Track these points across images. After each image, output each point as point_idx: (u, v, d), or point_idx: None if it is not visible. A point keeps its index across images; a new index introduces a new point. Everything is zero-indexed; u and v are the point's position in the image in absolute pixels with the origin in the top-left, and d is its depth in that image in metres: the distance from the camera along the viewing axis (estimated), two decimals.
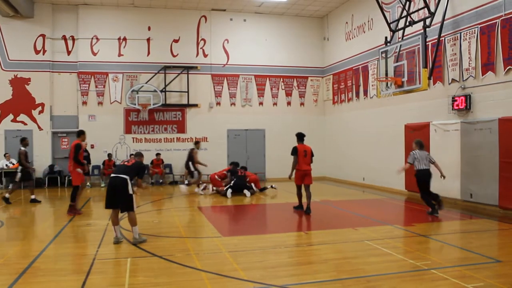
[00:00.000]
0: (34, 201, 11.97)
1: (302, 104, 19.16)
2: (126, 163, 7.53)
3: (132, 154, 7.06)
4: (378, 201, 12.45)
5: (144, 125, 17.54)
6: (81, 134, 10.29)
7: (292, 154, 10.29)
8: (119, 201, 7.21)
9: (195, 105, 17.85)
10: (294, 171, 10.24)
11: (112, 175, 7.34)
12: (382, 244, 7.15)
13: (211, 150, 15.86)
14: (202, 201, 12.46)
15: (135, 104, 16.95)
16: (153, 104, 17.04)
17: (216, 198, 13.00)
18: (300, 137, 10.56)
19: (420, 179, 9.71)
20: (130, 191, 7.18)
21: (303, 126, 19.07)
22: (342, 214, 10.22)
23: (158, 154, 17.21)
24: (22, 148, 11.68)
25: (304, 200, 10.59)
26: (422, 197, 9.82)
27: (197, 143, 14.29)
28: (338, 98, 18.09)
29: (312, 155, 10.37)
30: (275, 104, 18.85)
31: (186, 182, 15.88)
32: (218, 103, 18.22)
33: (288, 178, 10.54)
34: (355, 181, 16.69)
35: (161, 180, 17.07)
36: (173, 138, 17.73)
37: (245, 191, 13.34)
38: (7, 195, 11.80)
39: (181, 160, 17.23)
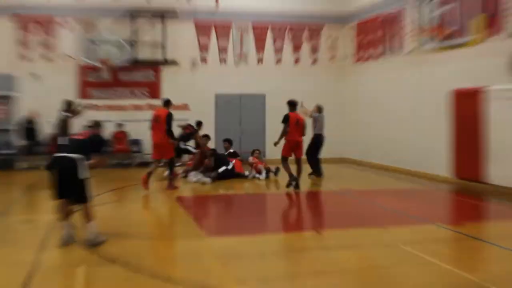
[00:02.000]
0: None
1: (314, 61, 19.02)
2: (78, 137, 7.26)
3: (89, 126, 7.02)
4: (416, 191, 12.42)
5: (105, 88, 17.38)
6: (170, 104, 12.01)
7: (283, 121, 11.90)
8: (68, 189, 6.94)
9: (174, 63, 17.65)
10: (285, 142, 11.87)
11: (57, 154, 7.05)
12: (422, 249, 7.00)
13: (194, 121, 15.68)
14: (178, 192, 12.35)
15: (93, 61, 16.70)
16: (118, 61, 16.84)
17: (200, 186, 12.93)
18: (293, 105, 12.23)
19: (317, 144, 14.13)
20: (83, 175, 6.89)
21: (316, 91, 18.84)
22: (368, 208, 10.16)
23: (120, 125, 17.03)
24: None
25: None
26: (309, 160, 13.76)
27: (199, 123, 14.95)
28: (362, 54, 17.91)
29: (304, 127, 12.12)
30: (279, 61, 18.70)
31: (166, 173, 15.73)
32: (204, 60, 18.03)
33: (273, 145, 12.08)
34: (385, 165, 16.67)
35: (126, 161, 16.90)
36: (144, 106, 17.58)
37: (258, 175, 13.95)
38: None
39: None
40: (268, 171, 14.16)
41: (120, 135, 17.07)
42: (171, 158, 12.21)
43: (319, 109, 14.62)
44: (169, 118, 11.94)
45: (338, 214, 9.55)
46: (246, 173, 14.02)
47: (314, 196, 11.84)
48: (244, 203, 11.28)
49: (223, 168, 13.64)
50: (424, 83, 14.71)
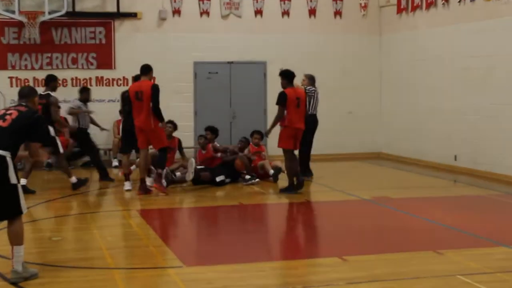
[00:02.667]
0: None
1: (337, 13, 19.17)
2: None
3: (21, 105, 6.60)
4: (482, 200, 12.54)
5: (32, 52, 17.49)
6: (151, 72, 12.61)
7: (279, 103, 12.59)
8: None
9: (132, 15, 17.81)
10: (282, 129, 12.60)
11: None
12: (491, 283, 7.14)
13: (164, 101, 15.63)
14: (145, 201, 12.45)
15: (13, 12, 16.77)
16: (49, 14, 16.91)
17: (171, 196, 13.06)
18: (290, 77, 12.79)
19: (313, 129, 14.44)
20: (13, 180, 6.98)
21: (340, 56, 18.95)
22: (414, 224, 10.27)
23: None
24: None
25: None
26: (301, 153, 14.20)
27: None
28: (407, 1, 18.03)
29: (305, 107, 13.05)
30: (285, 13, 18.82)
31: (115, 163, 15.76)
32: (177, 11, 18.16)
33: (265, 135, 12.69)
34: (437, 162, 16.84)
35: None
36: (91, 79, 17.71)
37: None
38: None
39: (107, 121, 17.25)
40: (278, 171, 14.29)
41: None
42: (163, 149, 12.66)
43: (313, 81, 15.00)
44: (156, 91, 12.39)
45: (371, 233, 9.64)
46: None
47: (336, 208, 11.93)
48: (237, 218, 11.42)
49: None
50: (497, 43, 14.79)
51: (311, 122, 14.34)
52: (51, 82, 13.67)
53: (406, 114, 18.26)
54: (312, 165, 15.11)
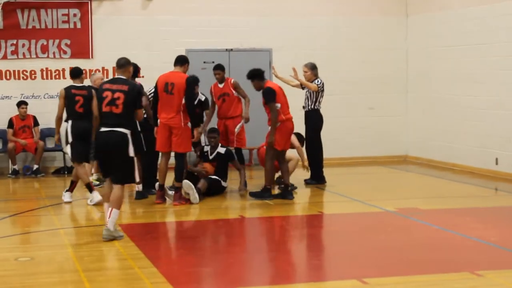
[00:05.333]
0: None
1: None
2: None
3: (121, 81, 9.95)
4: None
5: None
6: (185, 62, 13.08)
7: (270, 100, 13.02)
8: None
9: None
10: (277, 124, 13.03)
11: None
12: None
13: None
14: (129, 214, 12.49)
15: None
16: None
17: (161, 207, 13.09)
18: (261, 75, 13.46)
19: (320, 128, 14.98)
20: (131, 153, 10.25)
21: (359, 42, 18.96)
22: (446, 241, 10.29)
23: (22, 104, 17.21)
24: None
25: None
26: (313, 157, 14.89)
27: None
28: None
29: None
30: None
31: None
32: None
33: (270, 145, 13.05)
34: (475, 167, 16.88)
35: (35, 166, 17.08)
36: (64, 70, 17.74)
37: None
38: None
39: None
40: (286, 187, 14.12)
41: (23, 122, 17.25)
42: (182, 155, 12.94)
43: (316, 71, 15.18)
44: (192, 87, 12.92)
45: (396, 251, 9.65)
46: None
47: (354, 221, 11.96)
48: (237, 234, 11.48)
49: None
50: None
51: (319, 119, 14.62)
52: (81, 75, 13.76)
53: (437, 110, 18.28)
54: (326, 171, 15.17)
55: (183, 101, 12.60)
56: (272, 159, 13.17)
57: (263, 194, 13.23)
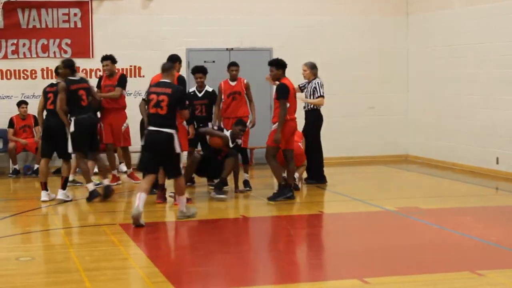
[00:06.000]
0: None
1: None
2: None
3: (165, 84, 11.11)
4: None
5: None
6: (176, 60, 13.39)
7: (283, 96, 13.03)
8: None
9: None
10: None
11: None
12: None
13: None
14: (130, 214, 12.55)
15: None
16: None
17: (161, 207, 13.10)
18: (284, 67, 13.43)
19: (320, 127, 14.91)
20: (178, 150, 11.47)
21: (360, 42, 18.93)
22: (447, 240, 10.31)
23: (23, 104, 17.23)
24: None
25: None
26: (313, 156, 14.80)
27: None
28: None
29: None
30: None
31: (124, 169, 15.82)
32: None
33: (275, 143, 13.04)
34: (476, 166, 16.91)
35: (36, 166, 17.09)
36: None
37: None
38: None
39: None
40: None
41: (24, 122, 17.25)
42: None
43: (316, 70, 15.23)
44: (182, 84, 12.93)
45: (396, 251, 9.67)
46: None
47: (355, 221, 11.97)
48: (238, 234, 11.49)
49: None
50: None
51: (319, 119, 14.70)
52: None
53: (438, 110, 18.29)
54: (327, 170, 15.18)
55: None
56: (274, 157, 13.18)
57: (283, 192, 13.16)
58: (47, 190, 13.39)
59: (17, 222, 12.12)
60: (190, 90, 14.23)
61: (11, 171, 16.85)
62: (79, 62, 17.34)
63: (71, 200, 13.37)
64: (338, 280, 8.47)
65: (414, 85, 19.21)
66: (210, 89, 14.39)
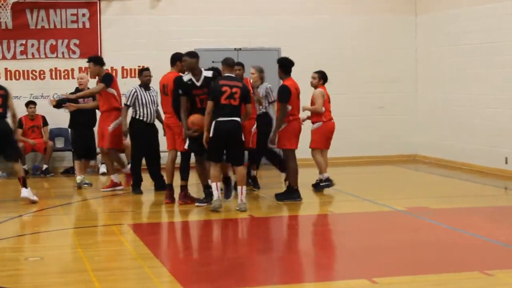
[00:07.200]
0: None
1: None
2: None
3: (236, 79, 11.41)
4: None
5: (3, 39, 17.63)
6: (176, 60, 13.32)
7: (283, 100, 13.00)
8: None
9: None
10: (285, 125, 13.06)
11: None
12: None
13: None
14: (138, 214, 12.54)
15: None
16: None
17: (169, 207, 13.10)
18: (289, 66, 13.40)
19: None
20: (243, 138, 12.42)
21: (368, 42, 18.95)
22: (457, 240, 10.30)
23: (31, 104, 17.26)
24: None
25: None
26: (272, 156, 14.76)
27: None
28: None
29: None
30: None
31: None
32: None
33: (270, 143, 13.36)
34: (485, 166, 16.88)
35: (44, 166, 17.20)
36: (73, 70, 17.83)
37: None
38: None
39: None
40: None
41: (33, 122, 17.31)
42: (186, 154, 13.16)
43: (263, 74, 14.78)
44: (176, 85, 12.72)
45: (405, 250, 9.67)
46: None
47: (364, 221, 11.94)
48: (247, 233, 11.57)
49: None
50: None
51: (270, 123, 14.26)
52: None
53: (447, 110, 18.26)
54: (336, 170, 15.17)
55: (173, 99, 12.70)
56: (291, 159, 13.18)
57: (292, 195, 13.17)
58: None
59: (26, 222, 12.17)
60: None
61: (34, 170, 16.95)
62: (86, 64, 17.43)
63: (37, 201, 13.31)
64: (347, 280, 8.46)
65: (423, 86, 19.22)
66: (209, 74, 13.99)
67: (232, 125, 11.93)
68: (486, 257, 9.28)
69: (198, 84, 12.42)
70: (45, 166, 17.06)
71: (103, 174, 16.72)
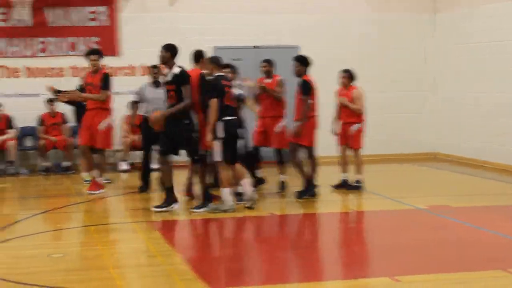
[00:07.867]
0: None
1: None
2: None
3: None
4: None
5: (23, 37, 17.68)
6: (200, 57, 13.11)
7: (307, 93, 13.07)
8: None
9: None
10: (305, 122, 13.08)
11: None
12: None
13: None
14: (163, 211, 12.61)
15: None
16: None
17: (189, 204, 13.10)
18: (308, 64, 13.51)
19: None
20: None
21: (387, 39, 18.92)
22: (479, 238, 10.29)
23: (52, 101, 17.25)
24: None
25: None
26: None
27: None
28: None
29: None
30: None
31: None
32: None
33: (296, 136, 13.08)
34: (507, 164, 16.86)
35: (68, 164, 17.23)
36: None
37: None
38: None
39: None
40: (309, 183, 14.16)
41: (53, 120, 17.36)
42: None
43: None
44: (201, 81, 12.66)
45: (427, 249, 9.65)
46: None
47: (385, 219, 11.95)
48: (269, 231, 11.58)
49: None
50: None
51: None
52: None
53: (468, 107, 18.21)
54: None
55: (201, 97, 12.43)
56: (295, 154, 13.28)
57: (308, 189, 13.21)
58: None
59: (48, 219, 12.27)
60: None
61: (41, 169, 16.98)
62: (107, 60, 17.48)
63: None
64: (369, 278, 8.50)
65: (443, 83, 19.17)
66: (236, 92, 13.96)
67: (238, 124, 12.27)
68: (509, 255, 9.27)
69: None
70: (67, 163, 17.11)
71: (124, 171, 16.81)
